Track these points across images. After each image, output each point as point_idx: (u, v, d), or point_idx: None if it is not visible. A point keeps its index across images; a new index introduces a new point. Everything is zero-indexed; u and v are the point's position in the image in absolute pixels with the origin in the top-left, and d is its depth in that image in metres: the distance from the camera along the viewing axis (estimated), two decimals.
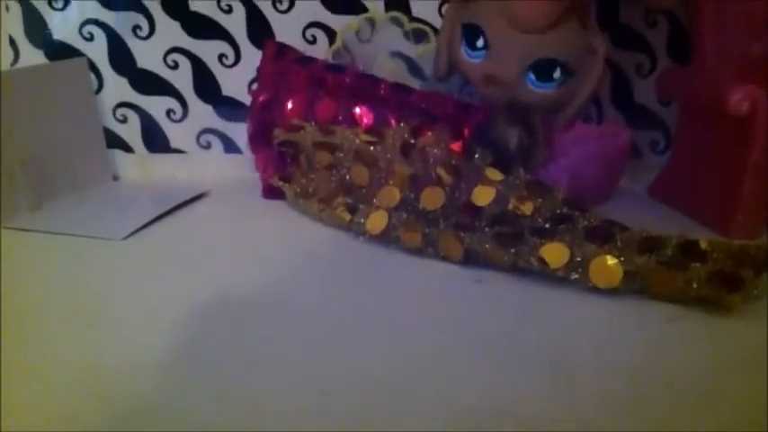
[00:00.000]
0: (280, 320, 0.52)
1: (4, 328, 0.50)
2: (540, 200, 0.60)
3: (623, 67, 0.85)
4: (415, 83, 0.83)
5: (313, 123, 0.73)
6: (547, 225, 0.59)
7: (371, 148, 0.68)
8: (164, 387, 0.43)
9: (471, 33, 0.69)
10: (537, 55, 0.66)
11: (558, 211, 0.59)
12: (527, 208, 0.61)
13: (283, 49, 0.78)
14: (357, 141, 0.69)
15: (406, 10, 0.83)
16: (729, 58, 0.70)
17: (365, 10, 0.83)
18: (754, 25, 0.67)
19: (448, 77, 0.75)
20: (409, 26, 0.83)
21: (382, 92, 0.74)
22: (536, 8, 0.65)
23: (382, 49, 0.84)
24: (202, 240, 0.69)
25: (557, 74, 0.67)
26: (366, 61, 0.83)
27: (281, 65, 0.76)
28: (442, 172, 0.64)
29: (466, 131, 0.70)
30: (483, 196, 0.62)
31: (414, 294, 0.57)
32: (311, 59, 0.77)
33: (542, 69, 0.66)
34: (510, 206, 0.61)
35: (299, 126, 0.73)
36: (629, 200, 0.78)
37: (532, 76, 0.67)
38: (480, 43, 0.68)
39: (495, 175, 0.63)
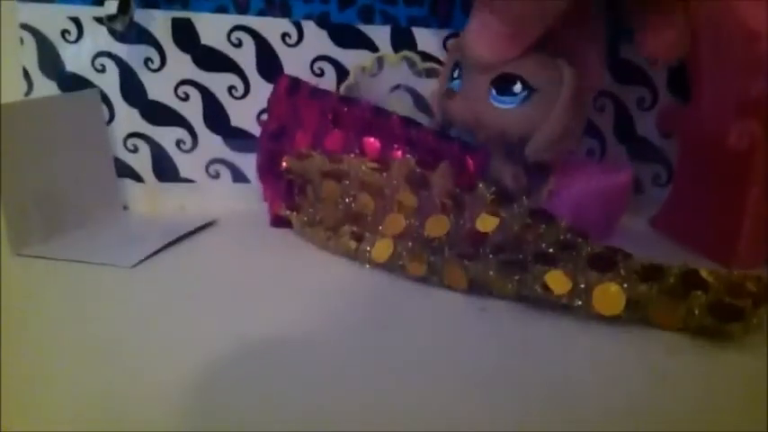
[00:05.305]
0: (284, 351, 0.52)
1: (13, 353, 0.50)
2: (543, 226, 0.61)
3: (625, 101, 0.86)
4: (423, 119, 0.84)
5: (321, 152, 0.74)
6: (550, 250, 0.60)
7: (377, 174, 0.69)
8: (173, 419, 0.43)
9: (454, 67, 0.72)
10: (498, 71, 0.67)
11: (562, 238, 0.60)
12: (530, 235, 0.61)
13: (296, 83, 0.79)
14: (363, 168, 0.70)
15: (412, 45, 0.85)
16: (727, 96, 0.71)
17: (370, 43, 0.85)
18: (752, 65, 0.68)
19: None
20: (422, 66, 0.85)
21: (392, 127, 0.75)
22: (493, 53, 0.66)
23: (392, 85, 0.86)
24: (211, 268, 0.70)
25: (517, 87, 0.67)
26: (376, 97, 0.84)
27: (294, 97, 0.77)
28: (446, 200, 0.65)
29: (471, 168, 0.71)
30: (487, 224, 0.63)
31: (418, 324, 0.58)
32: (324, 92, 0.78)
33: (503, 84, 0.67)
34: (514, 231, 0.62)
35: (308, 154, 0.74)
36: (631, 233, 0.78)
37: (494, 92, 0.67)
38: (456, 73, 0.71)
39: (498, 204, 0.64)
